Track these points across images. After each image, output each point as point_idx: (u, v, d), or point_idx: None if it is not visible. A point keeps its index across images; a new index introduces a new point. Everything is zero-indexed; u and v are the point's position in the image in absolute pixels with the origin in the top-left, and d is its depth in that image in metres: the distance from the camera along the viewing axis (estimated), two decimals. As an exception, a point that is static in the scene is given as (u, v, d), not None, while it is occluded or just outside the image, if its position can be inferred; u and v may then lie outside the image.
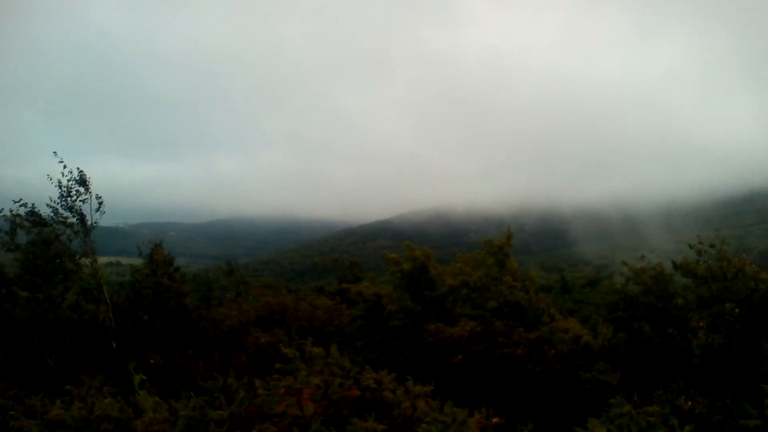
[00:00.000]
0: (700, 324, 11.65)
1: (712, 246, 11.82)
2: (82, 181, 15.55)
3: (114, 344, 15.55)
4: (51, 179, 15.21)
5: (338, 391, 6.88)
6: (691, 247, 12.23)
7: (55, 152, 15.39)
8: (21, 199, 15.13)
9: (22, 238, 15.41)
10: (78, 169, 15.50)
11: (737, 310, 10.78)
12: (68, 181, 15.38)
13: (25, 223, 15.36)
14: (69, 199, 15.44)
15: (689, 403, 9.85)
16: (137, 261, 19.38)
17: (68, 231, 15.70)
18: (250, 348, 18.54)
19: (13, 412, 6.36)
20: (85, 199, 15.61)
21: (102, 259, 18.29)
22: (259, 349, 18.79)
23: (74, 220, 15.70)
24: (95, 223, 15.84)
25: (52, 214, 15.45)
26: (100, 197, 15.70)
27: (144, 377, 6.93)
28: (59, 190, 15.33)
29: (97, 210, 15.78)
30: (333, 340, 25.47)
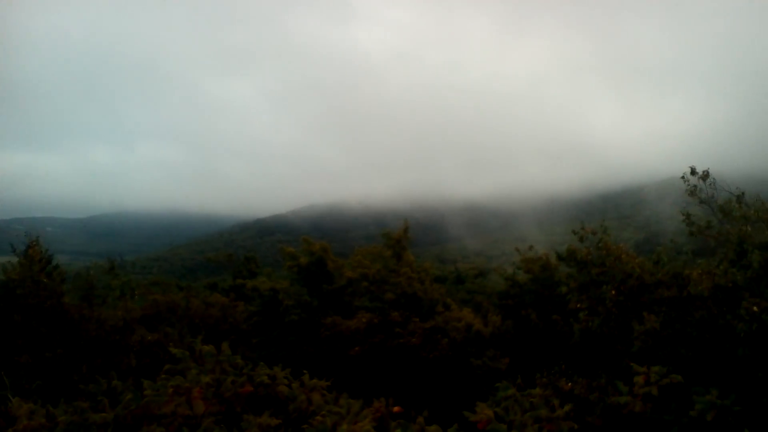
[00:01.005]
0: (579, 306, 12.49)
1: (593, 233, 12.67)
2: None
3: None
4: None
5: (230, 388, 6.67)
6: (574, 233, 13.04)
7: None
8: None
9: None
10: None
11: (613, 293, 11.67)
12: None
13: None
14: None
15: (569, 384, 10.53)
16: (12, 259, 17.87)
17: None
18: (136, 348, 17.64)
19: None
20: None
21: (-33, 258, 16.71)
22: (148, 350, 17.98)
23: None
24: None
25: None
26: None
27: (6, 381, 6.40)
28: None
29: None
30: (227, 337, 24.85)
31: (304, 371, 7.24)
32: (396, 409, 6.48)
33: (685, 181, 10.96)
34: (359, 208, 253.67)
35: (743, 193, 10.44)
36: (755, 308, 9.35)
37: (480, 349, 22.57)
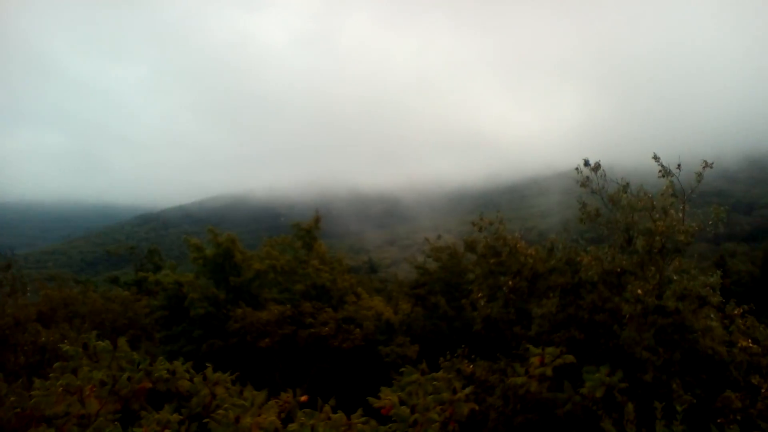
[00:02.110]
0: (480, 295, 13.01)
1: (491, 224, 13.18)
2: None
3: None
4: None
5: (127, 385, 6.40)
6: (473, 224, 13.52)
7: None
8: None
9: None
10: None
11: (510, 282, 12.24)
12: None
13: None
14: None
15: (471, 367, 10.96)
16: None
17: None
18: (26, 347, 16.54)
19: None
20: None
21: None
22: (41, 348, 16.91)
23: None
24: None
25: None
26: None
27: None
28: None
29: None
30: (129, 333, 23.79)
31: (207, 364, 7.09)
32: (303, 398, 6.48)
33: (578, 173, 11.61)
34: (266, 199, 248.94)
35: (628, 184, 11.23)
36: (639, 291, 10.10)
37: (390, 337, 22.94)
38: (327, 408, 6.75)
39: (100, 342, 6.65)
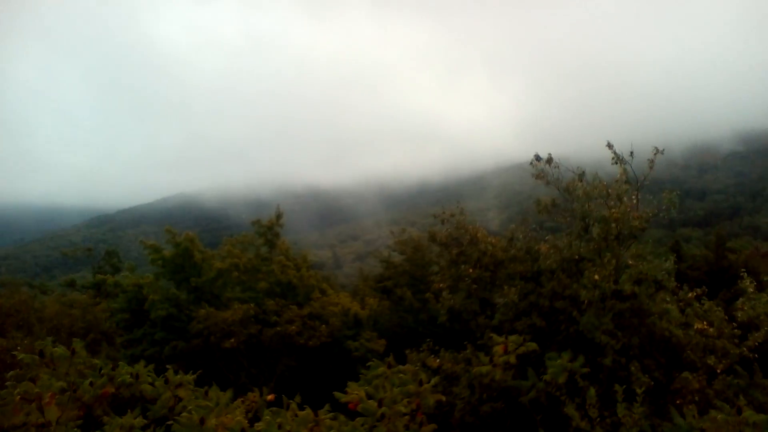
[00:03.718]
0: (442, 286, 13.17)
1: (452, 216, 13.35)
2: None
3: None
4: None
5: (89, 390, 6.29)
6: (435, 216, 13.67)
7: None
8: None
9: None
10: None
11: (471, 270, 12.43)
12: None
13: None
14: None
15: (437, 359, 11.08)
16: None
17: None
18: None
19: None
20: None
21: None
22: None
23: None
24: None
25: None
26: None
27: None
28: None
29: None
30: (88, 337, 23.20)
31: (169, 367, 6.99)
32: (269, 397, 6.45)
33: (532, 165, 11.83)
34: (219, 199, 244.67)
35: (584, 172, 11.49)
36: (597, 277, 10.36)
37: (357, 332, 22.98)
38: (294, 405, 6.74)
39: (57, 348, 6.49)
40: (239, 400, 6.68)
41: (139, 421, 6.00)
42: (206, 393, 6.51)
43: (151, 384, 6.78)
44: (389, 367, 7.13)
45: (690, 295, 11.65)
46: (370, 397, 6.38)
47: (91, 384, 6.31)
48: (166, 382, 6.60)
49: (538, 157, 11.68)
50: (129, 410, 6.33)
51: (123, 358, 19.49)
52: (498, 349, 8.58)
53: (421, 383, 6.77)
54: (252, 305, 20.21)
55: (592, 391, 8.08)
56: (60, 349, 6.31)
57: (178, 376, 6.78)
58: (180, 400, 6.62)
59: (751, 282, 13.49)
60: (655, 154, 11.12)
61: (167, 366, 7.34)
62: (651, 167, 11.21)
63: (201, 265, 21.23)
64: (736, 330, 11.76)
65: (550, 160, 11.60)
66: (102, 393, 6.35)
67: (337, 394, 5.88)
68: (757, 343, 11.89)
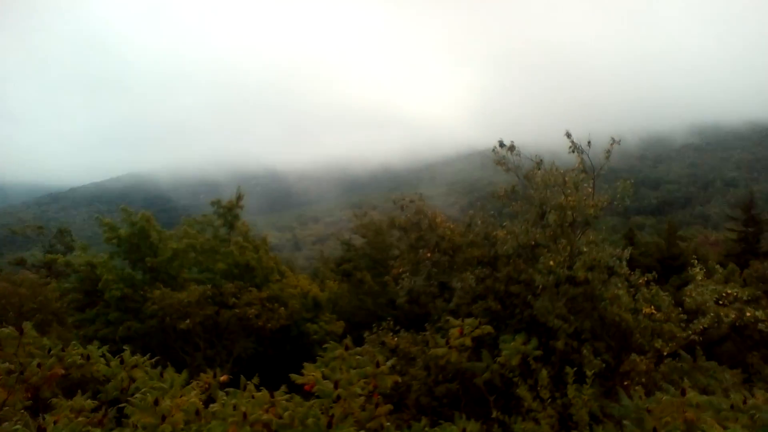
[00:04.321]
0: (401, 270, 13.29)
1: (412, 201, 13.45)
2: None
3: None
4: None
5: (37, 372, 6.14)
6: (394, 202, 13.75)
7: None
8: None
9: None
10: None
11: (428, 255, 12.58)
12: None
13: None
14: None
15: (395, 339, 11.20)
16: None
17: None
18: None
19: None
20: None
21: None
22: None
23: None
24: None
25: None
26: None
27: None
28: None
29: None
30: (37, 318, 22.59)
31: (125, 348, 6.88)
32: (223, 378, 6.41)
33: (494, 152, 11.99)
34: (172, 178, 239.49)
35: (542, 161, 11.71)
36: (552, 263, 10.60)
37: (317, 315, 22.98)
38: (251, 386, 6.72)
39: (4, 329, 6.30)
40: (194, 381, 6.62)
41: (90, 404, 5.90)
42: (161, 374, 6.44)
43: (106, 364, 6.65)
44: (346, 349, 7.17)
45: (641, 280, 12.02)
46: (326, 378, 6.41)
47: (39, 365, 6.16)
48: (121, 362, 6.49)
49: (501, 144, 11.82)
50: (80, 392, 6.21)
51: (75, 338, 19.05)
52: (454, 331, 8.71)
53: (378, 365, 6.84)
54: (209, 286, 19.97)
55: (544, 373, 8.31)
56: (8, 330, 6.14)
57: (134, 357, 6.68)
58: (133, 381, 6.53)
59: (701, 269, 14.04)
60: (611, 144, 11.40)
61: (122, 347, 7.22)
62: (607, 157, 11.49)
63: (157, 245, 20.82)
64: (682, 315, 12.23)
65: (512, 148, 11.76)
66: (51, 374, 6.21)
67: (293, 376, 5.88)
68: (702, 328, 12.41)
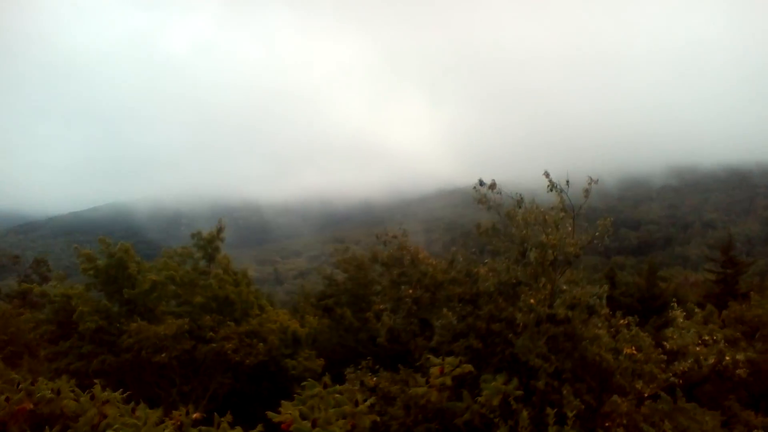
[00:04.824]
0: (382, 307, 13.22)
1: (395, 237, 13.47)
2: None
3: None
4: None
5: (5, 406, 5.96)
6: (377, 237, 13.76)
7: None
8: None
9: None
10: None
11: (410, 291, 12.55)
12: None
13: None
14: None
15: (374, 378, 11.05)
16: None
17: None
18: None
19: None
20: None
21: None
22: None
23: None
24: None
25: None
26: None
27: None
28: None
29: None
30: (8, 350, 21.96)
31: (96, 382, 6.69)
32: (196, 415, 6.27)
33: (476, 190, 12.10)
34: (150, 211, 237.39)
35: (522, 199, 11.84)
36: (533, 301, 10.61)
37: (296, 351, 22.62)
38: (225, 424, 6.56)
39: (-29, 362, 6.12)
40: (167, 418, 6.46)
41: (58, 440, 5.72)
42: (133, 410, 6.27)
43: (75, 400, 6.48)
44: (325, 387, 7.07)
45: (621, 322, 12.08)
46: (304, 417, 6.29)
47: (7, 399, 5.98)
48: (92, 398, 6.32)
49: (481, 182, 11.94)
50: (48, 428, 6.03)
51: (47, 372, 18.51)
52: (435, 370, 8.64)
53: (357, 404, 6.74)
54: (187, 320, 19.63)
55: (525, 413, 8.23)
56: (-26, 362, 5.97)
57: (105, 393, 6.51)
58: (105, 417, 6.35)
59: (681, 312, 14.17)
60: (589, 183, 11.56)
61: (94, 381, 7.03)
62: (586, 196, 11.64)
63: (136, 276, 20.49)
64: (662, 356, 12.27)
65: (492, 186, 11.88)
66: (18, 409, 6.03)
67: (269, 414, 5.77)
68: (683, 370, 12.45)
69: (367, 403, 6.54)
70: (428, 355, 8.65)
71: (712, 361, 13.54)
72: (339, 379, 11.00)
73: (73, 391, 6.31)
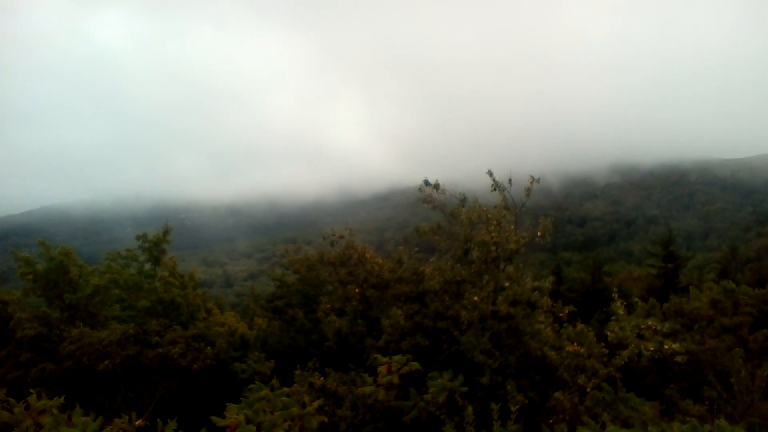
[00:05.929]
0: (328, 307, 13.26)
1: (342, 237, 13.52)
2: None
3: None
4: None
5: (-69, 420, 5.74)
6: (324, 237, 13.80)
7: None
8: None
9: None
10: None
11: (357, 290, 12.63)
12: None
13: None
14: None
15: (321, 379, 11.07)
16: None
17: None
18: None
19: None
20: None
21: None
22: None
23: None
24: None
25: None
26: None
27: None
28: None
29: None
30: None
31: (32, 391, 6.50)
32: (139, 423, 6.17)
33: (421, 190, 12.29)
34: (94, 211, 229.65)
35: (465, 198, 12.09)
36: (476, 298, 10.84)
37: (245, 354, 22.34)
38: (169, 430, 6.46)
39: None
40: (108, 426, 6.32)
41: (-9, 453, 5.54)
42: (69, 418, 6.12)
43: (9, 410, 6.29)
44: (272, 389, 7.05)
45: (561, 314, 12.39)
46: (249, 421, 6.26)
47: (-66, 413, 5.75)
48: (27, 408, 6.14)
49: (426, 182, 12.13)
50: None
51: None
52: (382, 369, 8.74)
53: (304, 405, 6.75)
54: (132, 325, 19.16)
55: (470, 409, 8.39)
56: None
57: (41, 402, 6.33)
58: (41, 428, 6.17)
59: (621, 304, 14.69)
60: (531, 182, 11.89)
61: (31, 390, 6.84)
62: (528, 194, 11.96)
63: (77, 280, 19.87)
64: (604, 349, 12.69)
65: (437, 186, 12.08)
66: (-53, 422, 5.80)
67: (214, 418, 5.72)
68: (623, 362, 12.92)
69: (315, 404, 6.57)
70: (376, 355, 8.73)
71: (651, 350, 14.06)
72: (290, 380, 10.96)
73: (6, 402, 6.11)
